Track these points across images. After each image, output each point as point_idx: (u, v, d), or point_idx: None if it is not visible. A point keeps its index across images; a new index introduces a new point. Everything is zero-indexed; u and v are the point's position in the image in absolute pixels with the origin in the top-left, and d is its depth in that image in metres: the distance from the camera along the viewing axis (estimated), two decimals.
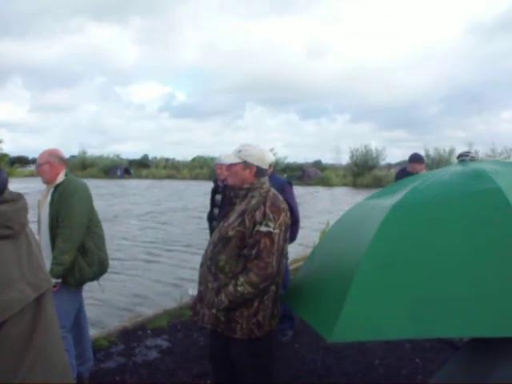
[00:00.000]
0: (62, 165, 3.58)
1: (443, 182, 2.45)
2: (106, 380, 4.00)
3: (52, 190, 3.51)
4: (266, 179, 2.89)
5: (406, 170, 6.17)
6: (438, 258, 2.04)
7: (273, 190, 2.86)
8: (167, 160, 54.85)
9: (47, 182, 3.57)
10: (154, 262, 9.79)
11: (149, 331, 5.16)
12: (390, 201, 2.45)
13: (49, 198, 3.51)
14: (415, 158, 6.11)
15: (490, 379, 1.64)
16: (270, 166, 2.98)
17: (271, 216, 2.67)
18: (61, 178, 3.54)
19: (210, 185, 5.14)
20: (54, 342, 1.07)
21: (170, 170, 49.67)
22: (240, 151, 2.83)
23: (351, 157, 42.19)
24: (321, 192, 30.92)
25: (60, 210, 3.42)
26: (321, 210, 18.65)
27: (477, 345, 1.91)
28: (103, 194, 25.80)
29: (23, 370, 0.96)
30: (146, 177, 45.60)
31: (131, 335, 5.03)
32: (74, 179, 3.61)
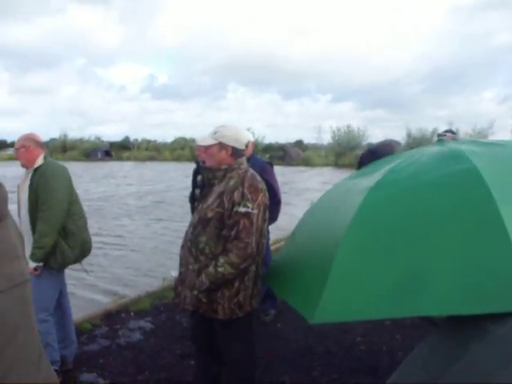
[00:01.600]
0: (40, 148, 3.54)
1: (421, 163, 2.46)
2: (90, 363, 4.01)
3: (31, 173, 3.49)
4: (243, 159, 2.89)
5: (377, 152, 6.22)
6: (417, 240, 2.06)
7: (251, 171, 2.86)
8: (149, 142, 54.56)
9: (25, 165, 3.54)
10: (150, 239, 9.86)
11: (132, 313, 5.18)
12: (367, 182, 2.45)
13: (28, 181, 3.48)
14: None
15: (459, 361, 1.65)
16: (246, 146, 2.98)
17: (249, 196, 2.67)
18: (39, 161, 3.51)
19: (193, 165, 5.12)
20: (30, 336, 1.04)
21: (152, 151, 49.39)
22: (215, 133, 2.82)
23: (333, 137, 42.54)
24: (306, 171, 31.04)
25: (39, 194, 3.40)
26: (310, 188, 18.76)
27: (450, 324, 1.93)
28: (90, 176, 25.65)
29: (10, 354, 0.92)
30: (128, 159, 45.27)
31: (114, 318, 5.05)
32: (52, 162, 3.59)
